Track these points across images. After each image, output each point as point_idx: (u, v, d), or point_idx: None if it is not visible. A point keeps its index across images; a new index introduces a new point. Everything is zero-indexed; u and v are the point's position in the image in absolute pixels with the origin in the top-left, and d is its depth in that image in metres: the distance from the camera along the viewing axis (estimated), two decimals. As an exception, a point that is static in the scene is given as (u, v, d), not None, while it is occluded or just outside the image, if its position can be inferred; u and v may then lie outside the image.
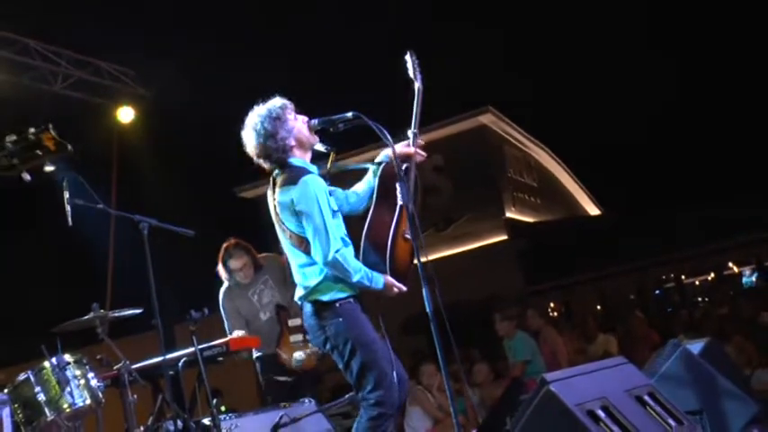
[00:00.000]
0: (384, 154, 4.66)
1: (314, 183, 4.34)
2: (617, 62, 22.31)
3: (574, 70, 22.35)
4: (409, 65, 4.72)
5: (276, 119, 4.43)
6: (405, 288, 4.46)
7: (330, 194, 4.46)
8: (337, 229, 4.39)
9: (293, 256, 4.48)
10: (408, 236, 4.52)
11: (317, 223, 4.27)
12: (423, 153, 4.69)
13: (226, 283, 6.86)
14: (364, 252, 4.42)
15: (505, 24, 20.26)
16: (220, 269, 6.84)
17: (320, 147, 4.59)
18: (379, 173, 4.64)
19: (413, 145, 4.62)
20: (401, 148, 4.57)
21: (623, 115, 22.66)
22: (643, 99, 22.47)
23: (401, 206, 4.47)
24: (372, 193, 4.62)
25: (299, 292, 4.50)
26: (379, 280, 4.35)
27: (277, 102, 4.51)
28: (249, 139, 4.49)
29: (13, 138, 2.41)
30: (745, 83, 21.33)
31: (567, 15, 21.02)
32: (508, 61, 20.83)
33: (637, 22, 21.90)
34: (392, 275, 4.42)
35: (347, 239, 4.48)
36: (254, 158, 4.53)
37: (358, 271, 4.30)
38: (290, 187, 4.35)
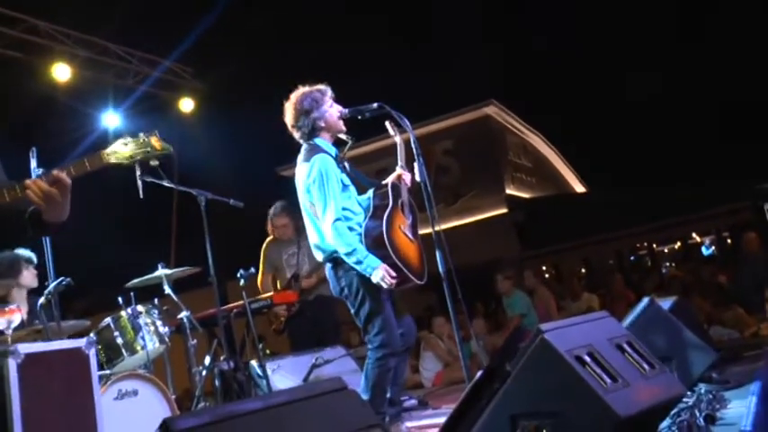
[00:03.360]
0: (391, 177, 4.64)
1: (321, 161, 4.33)
2: (602, 64, 22.18)
3: (565, 69, 22.23)
4: (389, 128, 4.54)
5: (314, 101, 4.44)
6: (396, 279, 4.18)
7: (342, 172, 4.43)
8: (344, 201, 4.36)
9: (311, 223, 4.47)
10: (407, 231, 4.47)
11: (319, 198, 4.28)
12: (409, 177, 4.62)
13: (270, 236, 6.94)
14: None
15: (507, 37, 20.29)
16: (268, 223, 6.94)
17: (342, 135, 4.58)
18: (374, 191, 4.61)
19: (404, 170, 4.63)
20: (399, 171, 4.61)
21: (607, 108, 22.57)
22: (623, 95, 22.33)
23: (392, 207, 4.42)
24: (368, 207, 4.56)
25: (321, 255, 4.47)
26: (374, 262, 4.19)
27: (320, 87, 4.51)
28: (289, 110, 4.50)
29: (128, 138, 2.57)
30: (712, 78, 21.15)
31: (562, 22, 20.88)
32: (509, 61, 20.80)
33: (620, 25, 21.71)
34: (401, 265, 4.26)
35: (354, 211, 4.42)
36: (289, 127, 4.54)
37: (350, 245, 4.21)
38: (303, 165, 4.40)
